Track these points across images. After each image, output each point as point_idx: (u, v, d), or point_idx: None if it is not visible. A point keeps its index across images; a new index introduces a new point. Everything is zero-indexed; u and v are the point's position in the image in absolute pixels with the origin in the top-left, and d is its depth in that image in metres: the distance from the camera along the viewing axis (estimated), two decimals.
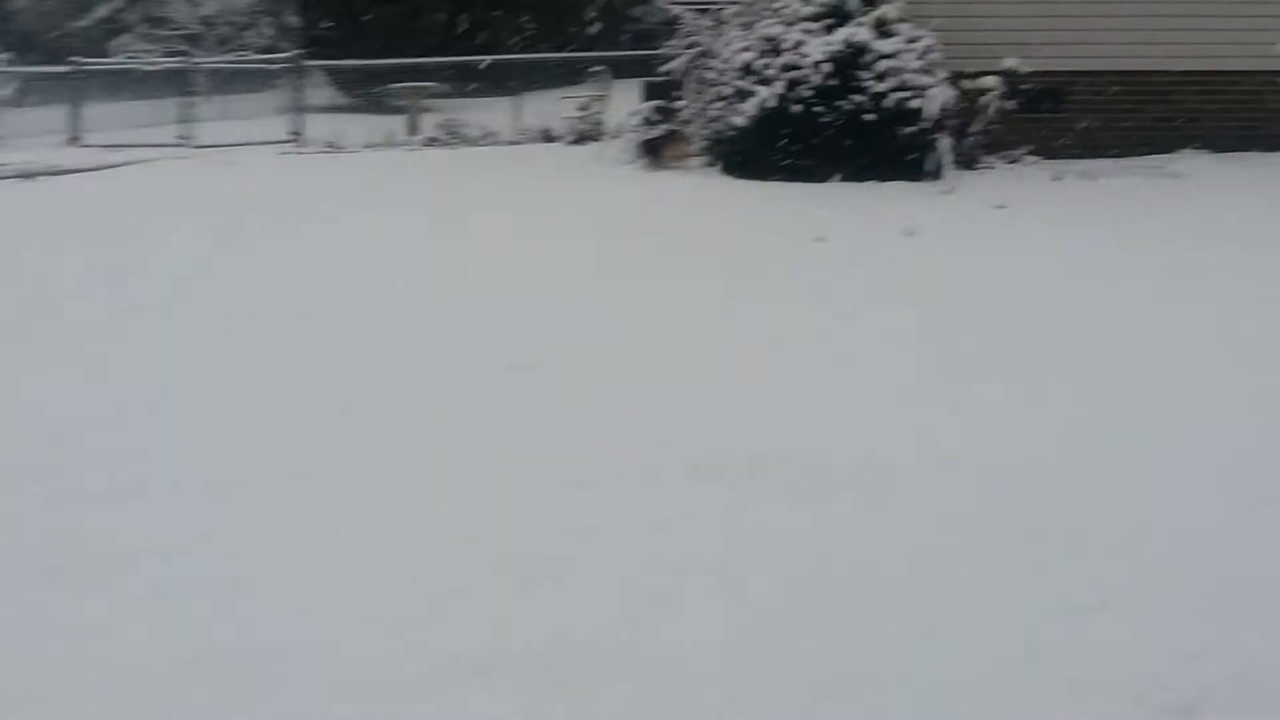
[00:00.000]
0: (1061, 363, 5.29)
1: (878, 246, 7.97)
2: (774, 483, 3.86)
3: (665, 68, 17.95)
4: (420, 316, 6.29)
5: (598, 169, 12.64)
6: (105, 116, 23.83)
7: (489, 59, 21.10)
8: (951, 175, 10.32)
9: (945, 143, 10.55)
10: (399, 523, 3.61)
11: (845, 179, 10.59)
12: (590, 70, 18.39)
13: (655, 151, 12.73)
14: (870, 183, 10.53)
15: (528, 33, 36.74)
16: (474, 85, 21.94)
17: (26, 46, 48.89)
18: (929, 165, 10.57)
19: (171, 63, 21.81)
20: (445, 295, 6.77)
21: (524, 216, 9.32)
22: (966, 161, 11.07)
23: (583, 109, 17.59)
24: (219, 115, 28.76)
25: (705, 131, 11.98)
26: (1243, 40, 11.58)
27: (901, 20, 10.95)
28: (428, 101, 23.50)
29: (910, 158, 10.65)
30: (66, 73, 21.07)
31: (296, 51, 20.89)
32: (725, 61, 11.52)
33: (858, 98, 10.56)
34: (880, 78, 10.59)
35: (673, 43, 13.68)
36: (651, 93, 19.78)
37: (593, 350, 5.56)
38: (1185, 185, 10.13)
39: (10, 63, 27.46)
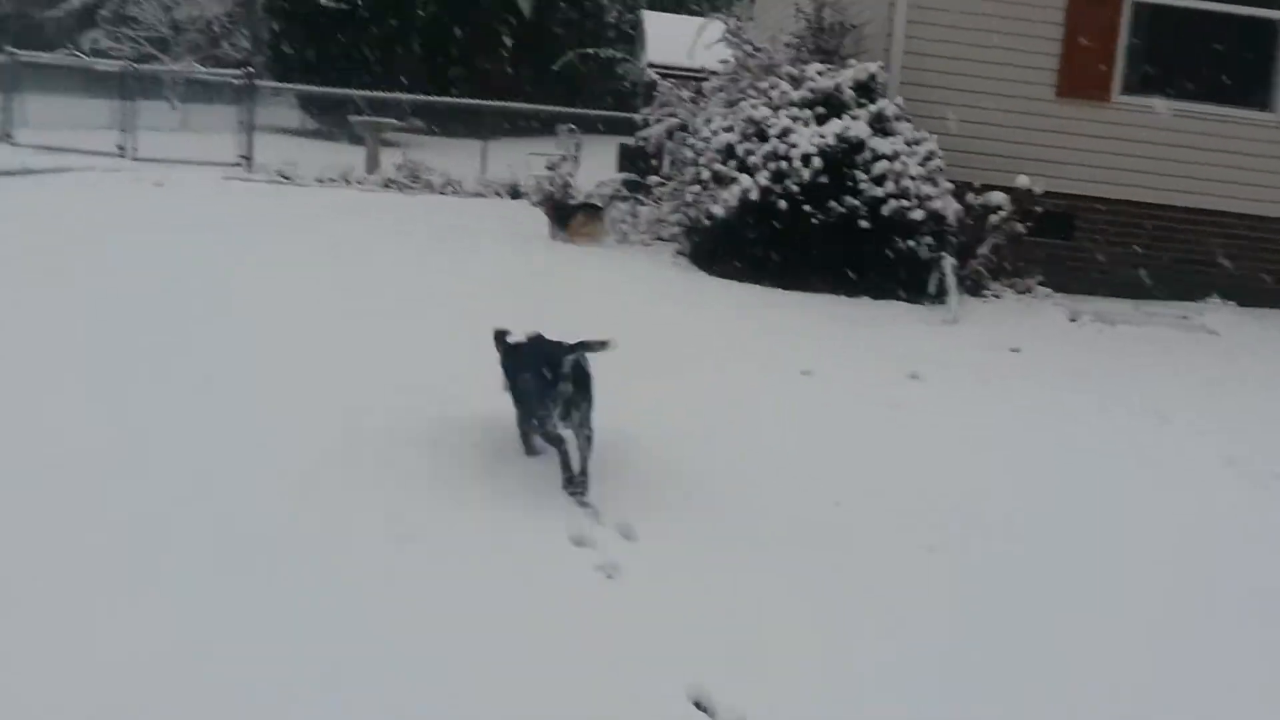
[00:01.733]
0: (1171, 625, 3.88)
1: (875, 393, 6.49)
2: None
3: (641, 134, 16.71)
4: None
5: (553, 241, 11.19)
6: (46, 113, 22.17)
7: (460, 101, 19.64)
8: (955, 300, 8.94)
9: (949, 262, 9.21)
10: None
11: (833, 290, 9.24)
12: (564, 127, 16.96)
13: (562, 221, 11.40)
14: (862, 299, 9.17)
15: (505, 78, 35.63)
16: (445, 125, 20.58)
17: None
18: (930, 286, 9.21)
19: (110, 65, 20.01)
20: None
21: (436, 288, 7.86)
22: (972, 286, 9.72)
23: (551, 167, 16.20)
24: (176, 126, 27.28)
25: (677, 215, 10.61)
26: (1276, 184, 10.44)
27: (902, 118, 9.61)
28: (394, 136, 22.08)
29: (908, 275, 9.32)
30: (3, 63, 19.24)
31: (247, 69, 19.20)
32: (704, 140, 10.14)
33: (851, 200, 9.18)
34: (878, 181, 9.22)
35: (648, 111, 12.34)
36: (625, 158, 18.54)
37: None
38: (1222, 345, 8.74)
39: None
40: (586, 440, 4.50)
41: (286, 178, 17.49)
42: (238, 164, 18.34)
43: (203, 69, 23.85)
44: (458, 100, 19.48)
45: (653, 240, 11.15)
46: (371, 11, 29.74)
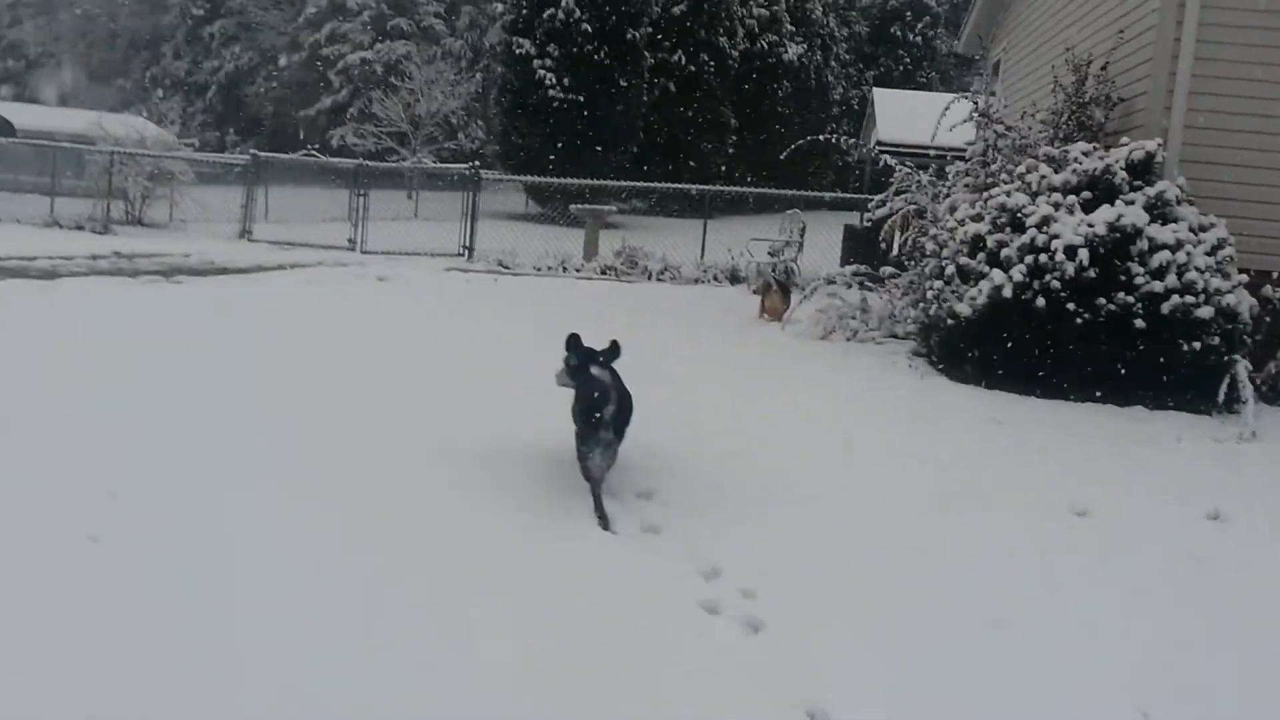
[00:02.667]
0: None
1: (1169, 538, 5.21)
2: None
3: (870, 215, 15.64)
4: None
5: (782, 339, 10.24)
6: (284, 209, 23.08)
7: (680, 187, 19.11)
8: (1251, 411, 7.47)
9: (1243, 366, 7.75)
10: None
11: (1100, 399, 7.92)
12: (789, 212, 16.11)
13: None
14: (1135, 408, 7.82)
15: (727, 157, 35.31)
16: (665, 206, 20.16)
17: (254, 130, 50.55)
18: (1220, 394, 7.76)
19: (345, 163, 20.54)
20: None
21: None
22: (1269, 394, 8.21)
23: (773, 253, 15.36)
24: (410, 215, 28.09)
25: (914, 312, 9.50)
26: None
27: (1185, 201, 8.27)
28: (616, 219, 21.84)
29: (1191, 381, 7.89)
30: (245, 164, 20.04)
31: (473, 164, 19.30)
32: (948, 230, 9.04)
33: (1125, 297, 7.87)
34: (1156, 274, 7.88)
35: (881, 197, 11.33)
36: (851, 241, 17.51)
37: None
38: None
39: (236, 145, 27.31)
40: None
41: (505, 266, 17.34)
42: (460, 254, 18.35)
43: (431, 162, 24.35)
44: (678, 186, 18.97)
45: (885, 338, 10.05)
46: (597, 101, 29.99)
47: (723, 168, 33.97)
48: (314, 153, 20.25)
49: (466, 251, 18.40)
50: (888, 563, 4.65)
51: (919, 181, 10.51)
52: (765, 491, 5.43)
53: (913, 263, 10.32)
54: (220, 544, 4.22)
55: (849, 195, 18.91)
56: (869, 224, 16.83)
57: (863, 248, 17.00)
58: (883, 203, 11.21)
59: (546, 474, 5.30)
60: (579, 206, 19.08)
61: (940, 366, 8.86)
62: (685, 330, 10.68)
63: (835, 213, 17.78)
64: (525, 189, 26.97)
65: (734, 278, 16.93)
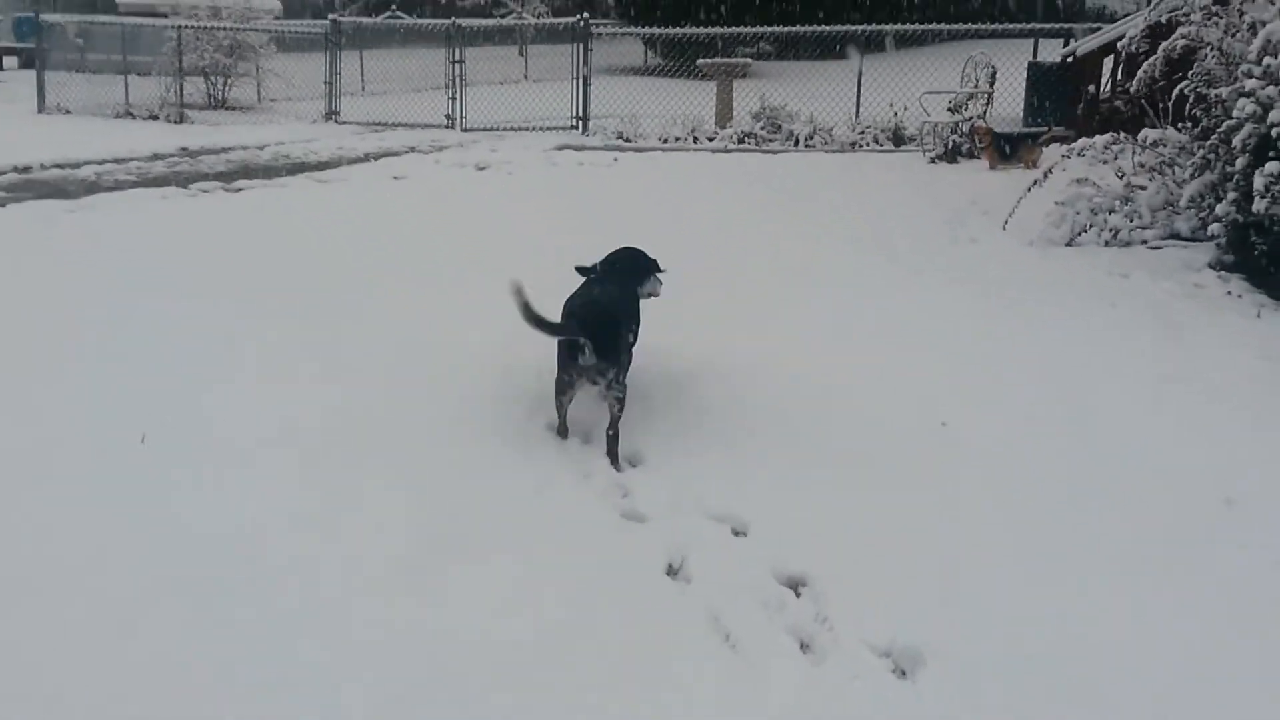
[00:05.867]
0: None
1: None
2: None
3: (1077, 49, 12.35)
4: None
5: (1010, 249, 7.30)
6: (374, 80, 20.43)
7: (824, 29, 15.77)
8: None
9: None
10: None
11: None
12: (975, 55, 12.78)
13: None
14: None
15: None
16: (809, 52, 16.90)
17: None
18: None
19: (435, 23, 17.65)
20: None
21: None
22: None
23: (954, 108, 12.22)
24: (519, 77, 25.10)
25: (1223, 206, 6.41)
26: None
27: None
28: (754, 65, 18.66)
29: None
30: (326, 32, 17.35)
31: (582, 14, 16.21)
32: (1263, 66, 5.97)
33: None
34: None
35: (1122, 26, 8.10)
36: (1039, 90, 14.07)
37: None
38: None
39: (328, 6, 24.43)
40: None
41: (626, 139, 14.55)
42: (574, 126, 15.56)
43: (532, 17, 21.19)
44: (821, 29, 15.66)
45: (1161, 239, 7.03)
46: None
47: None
48: (399, 14, 17.26)
49: (580, 123, 15.57)
50: None
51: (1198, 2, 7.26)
52: None
53: (1191, 124, 7.24)
54: None
55: (1040, 26, 15.21)
56: (1069, 60, 13.42)
57: (1054, 95, 13.64)
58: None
59: None
60: (707, 61, 15.96)
61: (1255, 281, 5.94)
62: (858, 229, 7.86)
63: (1010, 47, 14.24)
64: (644, 39, 23.60)
65: (898, 139, 13.79)
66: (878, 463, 3.73)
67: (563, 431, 3.93)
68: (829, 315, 5.54)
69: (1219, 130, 6.59)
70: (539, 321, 3.52)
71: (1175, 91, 7.25)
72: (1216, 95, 6.77)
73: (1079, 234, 7.15)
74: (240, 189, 10.29)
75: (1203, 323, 5.38)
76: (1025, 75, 14.07)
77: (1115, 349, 5.00)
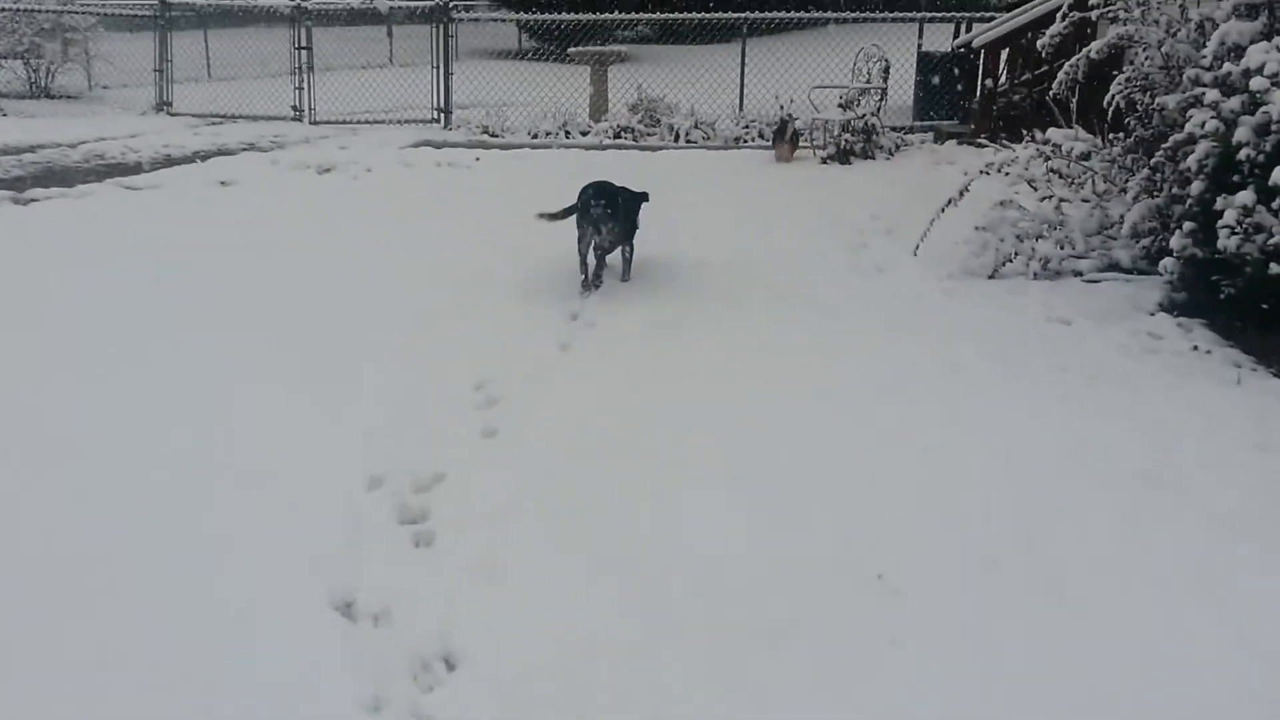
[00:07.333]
0: None
1: None
2: None
3: (969, 39, 11.46)
4: None
5: (918, 281, 6.20)
6: (222, 65, 18.46)
7: (710, 16, 14.55)
8: None
9: None
10: None
11: None
12: (867, 47, 11.69)
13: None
14: None
15: None
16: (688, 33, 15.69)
17: None
18: None
19: (276, 2, 15.85)
20: None
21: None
22: None
23: (845, 104, 11.11)
24: (384, 61, 23.25)
25: (1179, 240, 5.33)
26: None
27: None
28: (630, 48, 17.30)
29: None
30: (153, 14, 15.45)
31: None
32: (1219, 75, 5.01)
33: None
34: None
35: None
36: (928, 75, 13.03)
37: None
38: None
39: None
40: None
41: (492, 134, 13.14)
42: (435, 119, 14.07)
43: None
44: (705, 15, 14.42)
45: (1099, 271, 5.98)
46: None
47: None
48: None
49: (442, 116, 14.08)
50: None
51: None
52: None
53: (1124, 135, 6.25)
54: None
55: (947, 14, 14.10)
56: (962, 51, 12.44)
57: (947, 90, 12.66)
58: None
59: None
60: (579, 49, 14.58)
61: (1229, 333, 4.95)
62: (745, 251, 6.70)
63: (896, 27, 13.15)
64: (517, 24, 22.03)
65: (784, 134, 12.65)
66: None
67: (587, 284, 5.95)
68: (699, 389, 4.32)
69: (1164, 146, 5.57)
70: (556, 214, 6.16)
71: (1108, 99, 6.22)
72: (1159, 104, 5.76)
73: (1004, 263, 6.08)
74: (33, 201, 8.64)
75: (1177, 398, 4.31)
76: (915, 65, 13.06)
77: (1080, 443, 3.89)
